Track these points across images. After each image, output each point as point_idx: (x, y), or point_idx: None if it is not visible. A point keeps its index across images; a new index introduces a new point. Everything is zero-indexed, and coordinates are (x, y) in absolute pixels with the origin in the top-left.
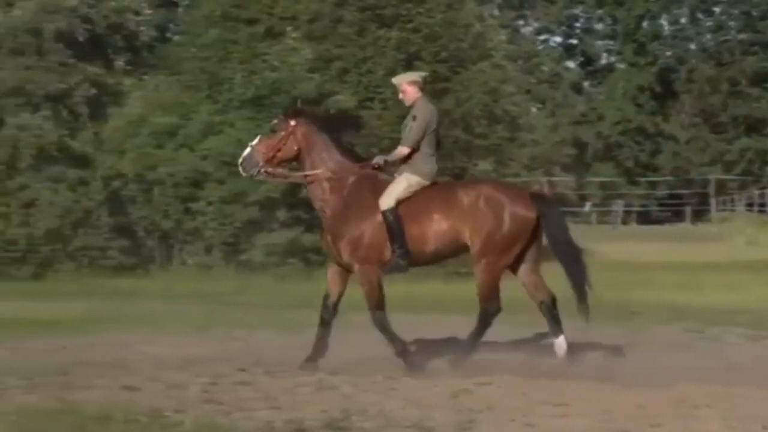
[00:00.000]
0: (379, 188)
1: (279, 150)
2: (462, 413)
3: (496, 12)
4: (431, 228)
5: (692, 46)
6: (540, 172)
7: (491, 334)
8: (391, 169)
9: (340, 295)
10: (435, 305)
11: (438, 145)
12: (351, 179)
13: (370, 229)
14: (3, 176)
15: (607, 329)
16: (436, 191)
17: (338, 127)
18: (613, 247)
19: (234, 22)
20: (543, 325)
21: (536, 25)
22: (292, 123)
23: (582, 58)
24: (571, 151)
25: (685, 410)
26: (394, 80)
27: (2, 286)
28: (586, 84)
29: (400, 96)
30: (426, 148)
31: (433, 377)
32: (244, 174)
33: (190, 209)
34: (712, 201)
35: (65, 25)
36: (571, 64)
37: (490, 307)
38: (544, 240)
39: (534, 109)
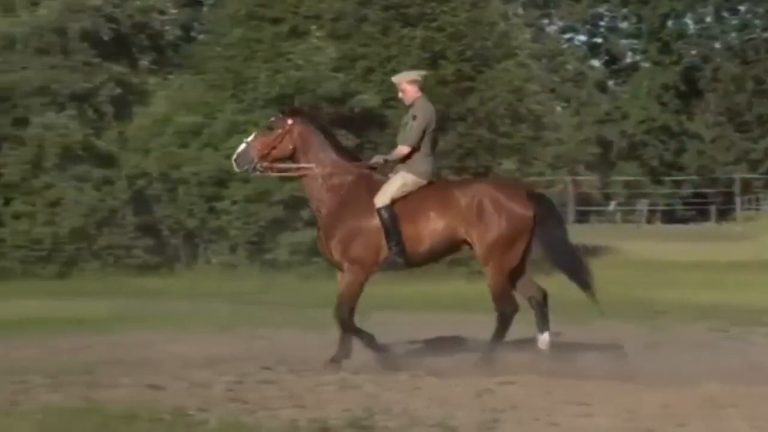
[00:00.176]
0: (375, 188)
1: (274, 147)
2: (485, 412)
3: (520, 11)
4: (428, 227)
5: (717, 45)
6: (564, 171)
7: (515, 333)
8: (388, 168)
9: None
10: (457, 304)
11: (435, 145)
12: (347, 179)
13: (364, 229)
14: (28, 175)
15: (631, 328)
16: (433, 190)
17: (331, 129)
18: (637, 246)
19: (258, 22)
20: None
21: (561, 23)
22: (290, 122)
23: (607, 57)
24: (595, 149)
25: (710, 410)
26: (394, 79)
27: (28, 285)
28: (610, 83)
29: (400, 95)
30: (424, 148)
31: (456, 376)
32: (237, 169)
33: (214, 208)
34: (737, 200)
35: (90, 24)
36: (595, 62)
37: (506, 309)
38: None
39: (558, 108)
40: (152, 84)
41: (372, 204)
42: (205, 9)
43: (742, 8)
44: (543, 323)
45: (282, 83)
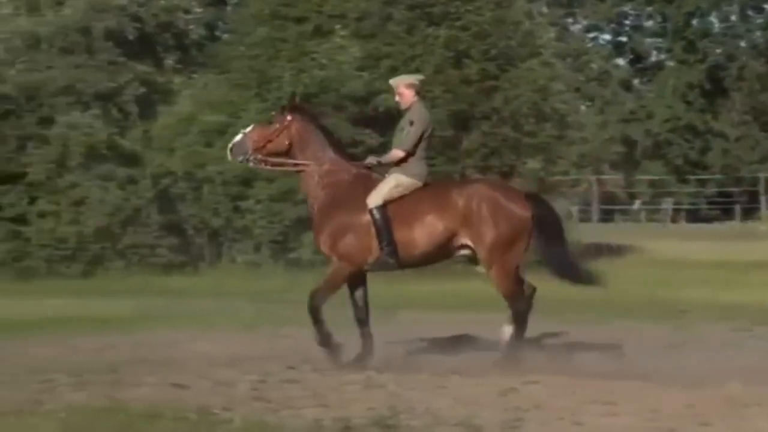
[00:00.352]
0: (372, 188)
1: (270, 141)
2: (509, 412)
3: (545, 9)
4: (424, 229)
5: (742, 44)
6: (589, 170)
7: (538, 333)
8: (383, 169)
9: (365, 291)
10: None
11: (430, 148)
12: (343, 177)
13: (355, 226)
14: (53, 174)
15: (655, 327)
16: (429, 192)
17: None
18: (662, 245)
19: (283, 21)
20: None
21: (585, 22)
22: (289, 118)
23: (631, 56)
24: (620, 148)
25: (734, 409)
26: (391, 82)
27: (52, 284)
28: (635, 81)
29: (396, 98)
30: (419, 152)
31: (480, 376)
32: (230, 159)
33: (239, 207)
34: (762, 199)
35: (115, 23)
36: (620, 61)
37: (519, 307)
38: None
39: (583, 107)
40: (177, 83)
41: (366, 202)
42: (229, 8)
43: (767, 6)
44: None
45: (306, 82)
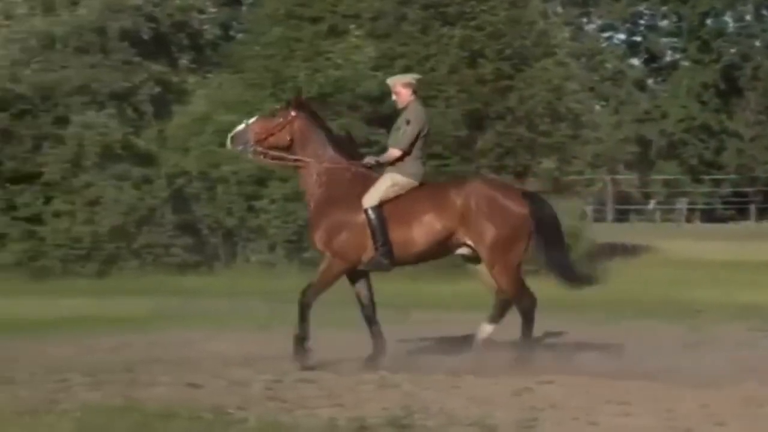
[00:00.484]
0: (369, 186)
1: (272, 134)
2: (524, 412)
3: (559, 9)
4: (422, 228)
5: (757, 43)
6: (604, 170)
7: (553, 333)
8: (381, 169)
9: (370, 289)
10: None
11: (426, 148)
12: (341, 175)
13: (350, 224)
14: (68, 174)
15: (670, 327)
16: (426, 191)
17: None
18: (676, 245)
19: (297, 21)
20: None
21: (600, 22)
22: (293, 113)
23: (646, 56)
24: (634, 148)
25: (750, 409)
26: (389, 81)
27: (67, 284)
28: (650, 81)
29: (393, 97)
30: (415, 151)
31: (494, 376)
32: (230, 148)
33: (253, 207)
34: None
35: (130, 23)
36: (635, 61)
37: (524, 303)
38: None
39: (597, 107)
40: (191, 83)
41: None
42: (244, 8)
43: None
44: (496, 317)
45: (321, 82)
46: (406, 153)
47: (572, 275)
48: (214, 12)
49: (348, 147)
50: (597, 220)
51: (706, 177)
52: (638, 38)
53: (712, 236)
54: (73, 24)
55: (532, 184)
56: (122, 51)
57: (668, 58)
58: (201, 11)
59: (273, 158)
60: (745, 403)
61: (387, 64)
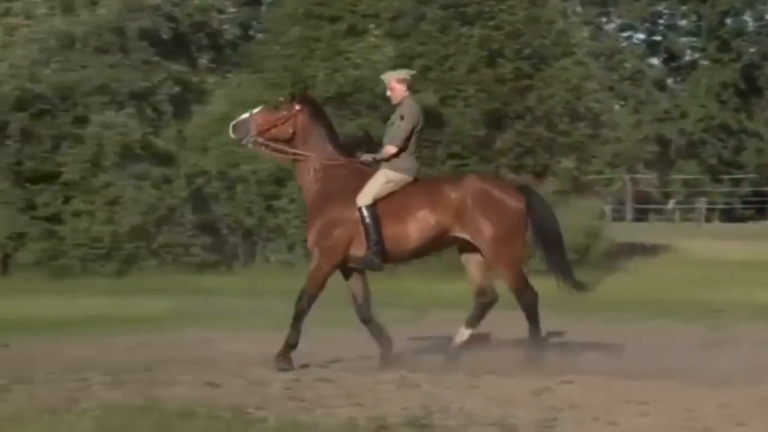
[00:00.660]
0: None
1: (274, 126)
2: (544, 411)
3: (579, 9)
4: (416, 224)
5: None
6: (623, 169)
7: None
8: (378, 166)
9: (365, 287)
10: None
11: (420, 143)
12: (339, 172)
13: (345, 221)
14: (88, 174)
15: (689, 327)
16: (421, 187)
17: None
18: (696, 244)
19: (317, 20)
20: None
21: (619, 21)
22: (297, 107)
23: (665, 55)
24: (654, 148)
25: None
26: (383, 77)
27: (87, 283)
28: (669, 81)
29: (388, 93)
30: (410, 147)
31: (514, 375)
32: (232, 136)
33: (272, 207)
34: None
35: (149, 23)
36: (654, 60)
37: (527, 298)
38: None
39: (617, 106)
40: (211, 83)
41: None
42: (263, 8)
43: None
44: (474, 321)
45: (340, 82)
46: (402, 149)
47: (567, 274)
48: (233, 12)
49: (348, 145)
50: (616, 219)
51: (726, 176)
52: (658, 38)
53: (732, 236)
54: (93, 24)
55: (551, 184)
56: (142, 51)
57: (688, 58)
58: (220, 11)
59: (273, 150)
60: (765, 402)
61: (406, 64)
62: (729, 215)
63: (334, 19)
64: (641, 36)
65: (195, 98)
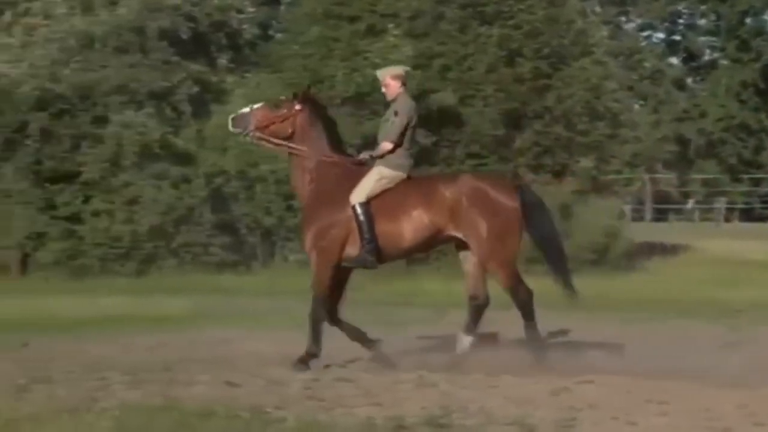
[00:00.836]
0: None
1: (273, 123)
2: (563, 411)
3: (598, 8)
4: (410, 223)
5: None
6: (642, 169)
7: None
8: (373, 164)
9: (342, 288)
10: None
11: (413, 140)
12: (333, 171)
13: (340, 220)
14: (107, 173)
15: (709, 327)
16: (415, 185)
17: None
18: (715, 244)
19: (336, 20)
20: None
21: (639, 21)
22: (297, 107)
23: (685, 55)
24: (673, 148)
25: None
26: (378, 73)
27: (106, 283)
28: (688, 80)
29: (383, 89)
30: (405, 143)
31: (532, 375)
32: (230, 128)
33: (292, 206)
34: None
35: (169, 23)
36: (673, 60)
37: (522, 296)
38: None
39: (636, 106)
40: (230, 82)
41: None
42: (282, 8)
43: None
44: (472, 326)
45: (359, 81)
46: (397, 144)
47: (563, 274)
48: (252, 11)
49: (346, 147)
50: (635, 219)
51: (745, 176)
52: (677, 37)
53: (752, 236)
54: (112, 24)
55: (570, 184)
56: (161, 50)
57: (707, 57)
58: (240, 11)
59: (271, 144)
60: None
61: (425, 64)
62: (749, 215)
63: (353, 19)
64: (660, 35)
65: (214, 98)
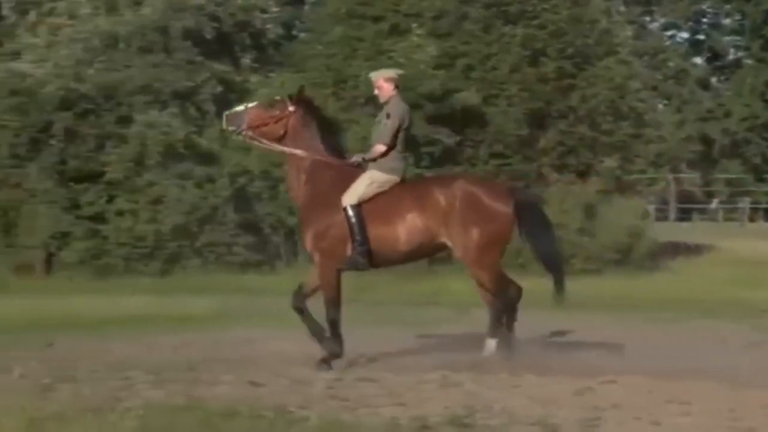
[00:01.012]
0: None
1: (266, 124)
2: (586, 411)
3: (622, 8)
4: (404, 227)
5: None
6: (666, 169)
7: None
8: (366, 167)
9: (315, 290)
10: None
11: (407, 143)
12: (327, 173)
13: (337, 222)
14: (131, 173)
15: (733, 327)
16: (410, 189)
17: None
18: (740, 244)
19: (359, 20)
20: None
21: (663, 20)
22: (291, 109)
23: (709, 54)
24: (697, 147)
25: None
26: (371, 76)
27: (130, 282)
28: (713, 80)
29: (375, 92)
30: (397, 146)
31: (556, 375)
32: (224, 126)
33: None
34: None
35: (193, 23)
36: (698, 59)
37: (510, 294)
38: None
39: (660, 106)
40: (254, 82)
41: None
42: (306, 7)
43: None
44: (495, 330)
45: None
46: (390, 147)
47: (559, 274)
48: (276, 11)
49: (341, 148)
50: (659, 219)
51: None
52: (701, 36)
53: None
54: (137, 23)
55: (594, 183)
56: (185, 50)
57: (731, 57)
58: (263, 10)
59: (264, 144)
60: None
61: (449, 63)
62: None
63: (376, 19)
64: (685, 35)
65: (238, 98)
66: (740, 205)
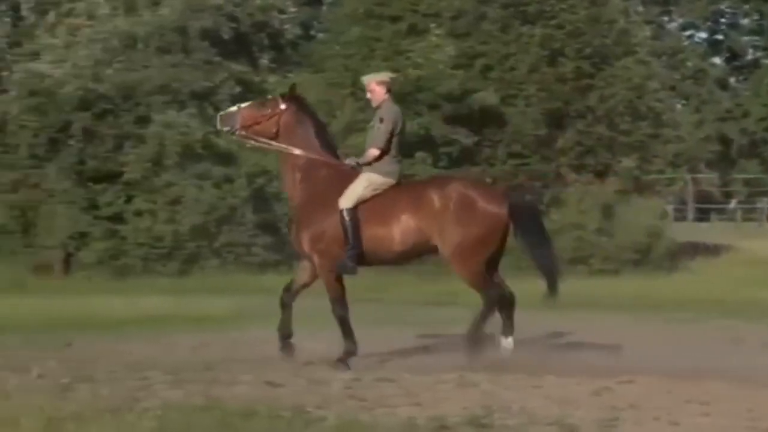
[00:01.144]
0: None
1: (258, 123)
2: (604, 411)
3: (640, 8)
4: (399, 228)
5: None
6: (684, 169)
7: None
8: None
9: (304, 287)
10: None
11: (401, 146)
12: (323, 172)
13: (334, 223)
14: (150, 173)
15: (752, 327)
16: (405, 191)
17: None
18: (758, 244)
19: (377, 20)
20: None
21: (681, 20)
22: (282, 107)
23: (727, 54)
24: (715, 147)
25: None
26: (363, 79)
27: (149, 282)
28: (731, 80)
29: (368, 95)
30: (391, 150)
31: (574, 375)
32: (218, 126)
33: None
34: None
35: (211, 23)
36: (716, 59)
37: (490, 292)
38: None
39: (679, 106)
40: (272, 82)
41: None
42: (324, 8)
43: None
44: (508, 327)
45: (401, 81)
46: (384, 151)
47: (552, 276)
48: (294, 12)
49: (333, 146)
50: (678, 219)
51: None
52: (720, 36)
53: None
54: (155, 24)
55: (612, 183)
56: (203, 51)
57: (750, 57)
58: (281, 11)
59: (258, 143)
60: None
61: (467, 63)
62: None
63: (394, 19)
64: (703, 35)
65: (256, 98)
66: (758, 205)
